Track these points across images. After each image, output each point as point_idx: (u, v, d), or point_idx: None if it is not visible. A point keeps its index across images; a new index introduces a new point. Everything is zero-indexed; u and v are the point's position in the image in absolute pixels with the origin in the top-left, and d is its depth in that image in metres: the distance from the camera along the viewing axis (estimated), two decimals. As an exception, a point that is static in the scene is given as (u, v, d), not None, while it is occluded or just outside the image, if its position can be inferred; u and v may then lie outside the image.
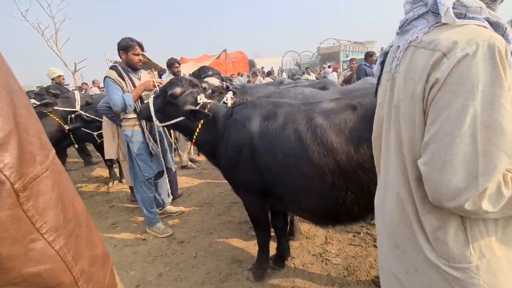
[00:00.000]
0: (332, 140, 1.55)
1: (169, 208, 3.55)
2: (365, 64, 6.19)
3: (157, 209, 3.42)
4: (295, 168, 1.64)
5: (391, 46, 0.90)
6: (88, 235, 0.46)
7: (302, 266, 2.39)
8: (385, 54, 0.94)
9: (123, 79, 2.75)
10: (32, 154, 0.38)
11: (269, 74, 13.67)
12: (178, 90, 2.10)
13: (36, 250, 0.37)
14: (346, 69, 9.80)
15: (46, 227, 0.38)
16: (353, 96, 1.70)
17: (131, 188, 3.81)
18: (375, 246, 2.55)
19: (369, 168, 1.48)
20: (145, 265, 2.60)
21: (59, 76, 5.32)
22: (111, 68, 2.78)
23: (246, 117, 1.91)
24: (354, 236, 2.75)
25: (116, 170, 5.06)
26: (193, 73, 3.28)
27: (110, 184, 4.81)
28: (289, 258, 2.44)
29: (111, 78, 2.69)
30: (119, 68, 2.78)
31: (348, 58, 9.79)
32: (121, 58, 2.83)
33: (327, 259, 2.43)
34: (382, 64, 0.94)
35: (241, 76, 13.42)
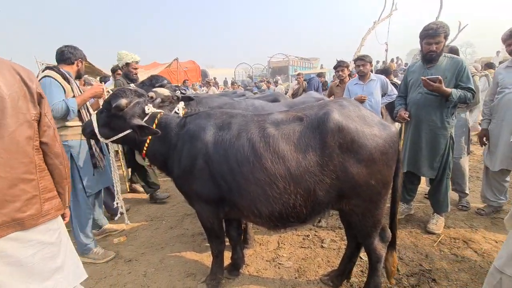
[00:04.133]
0: (283, 148, 1.67)
1: (108, 226, 3.26)
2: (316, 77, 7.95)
3: (93, 231, 3.11)
4: (249, 176, 1.71)
5: None
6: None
7: (256, 272, 2.44)
8: None
9: (69, 82, 2.50)
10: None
11: (227, 83, 14.04)
12: (123, 101, 1.98)
13: (58, 143, 1.40)
14: (294, 83, 10.73)
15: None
16: (300, 109, 1.87)
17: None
18: (323, 247, 2.76)
19: (315, 172, 1.64)
20: (86, 290, 2.34)
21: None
22: (50, 69, 2.47)
23: (201, 127, 1.92)
24: (303, 239, 2.92)
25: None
26: (143, 82, 3.11)
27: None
28: (244, 265, 2.48)
29: (55, 79, 2.39)
30: (63, 71, 2.51)
31: (296, 73, 10.64)
32: (76, 66, 2.67)
33: (279, 263, 2.54)
34: None
35: (193, 85, 13.28)
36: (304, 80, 8.58)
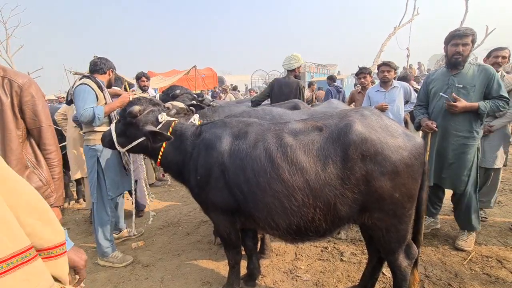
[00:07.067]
0: (302, 159, 1.63)
1: (125, 231, 3.35)
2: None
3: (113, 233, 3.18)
4: (266, 187, 1.68)
5: None
6: None
7: (273, 284, 2.38)
8: None
9: (102, 91, 2.66)
10: None
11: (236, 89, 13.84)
12: (136, 108, 2.01)
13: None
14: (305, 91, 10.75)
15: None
16: (319, 118, 1.82)
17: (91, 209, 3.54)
18: (342, 260, 2.65)
19: (335, 185, 1.58)
20: (105, 294, 2.39)
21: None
22: (87, 77, 2.64)
23: (216, 136, 1.90)
24: (322, 251, 2.83)
25: (71, 189, 4.68)
26: (163, 92, 3.24)
27: (66, 204, 4.41)
28: (260, 276, 2.43)
29: (90, 86, 2.55)
30: (98, 80, 2.67)
31: (312, 80, 10.64)
32: (108, 75, 2.85)
33: (297, 276, 2.46)
34: None
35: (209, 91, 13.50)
36: (318, 88, 8.53)
